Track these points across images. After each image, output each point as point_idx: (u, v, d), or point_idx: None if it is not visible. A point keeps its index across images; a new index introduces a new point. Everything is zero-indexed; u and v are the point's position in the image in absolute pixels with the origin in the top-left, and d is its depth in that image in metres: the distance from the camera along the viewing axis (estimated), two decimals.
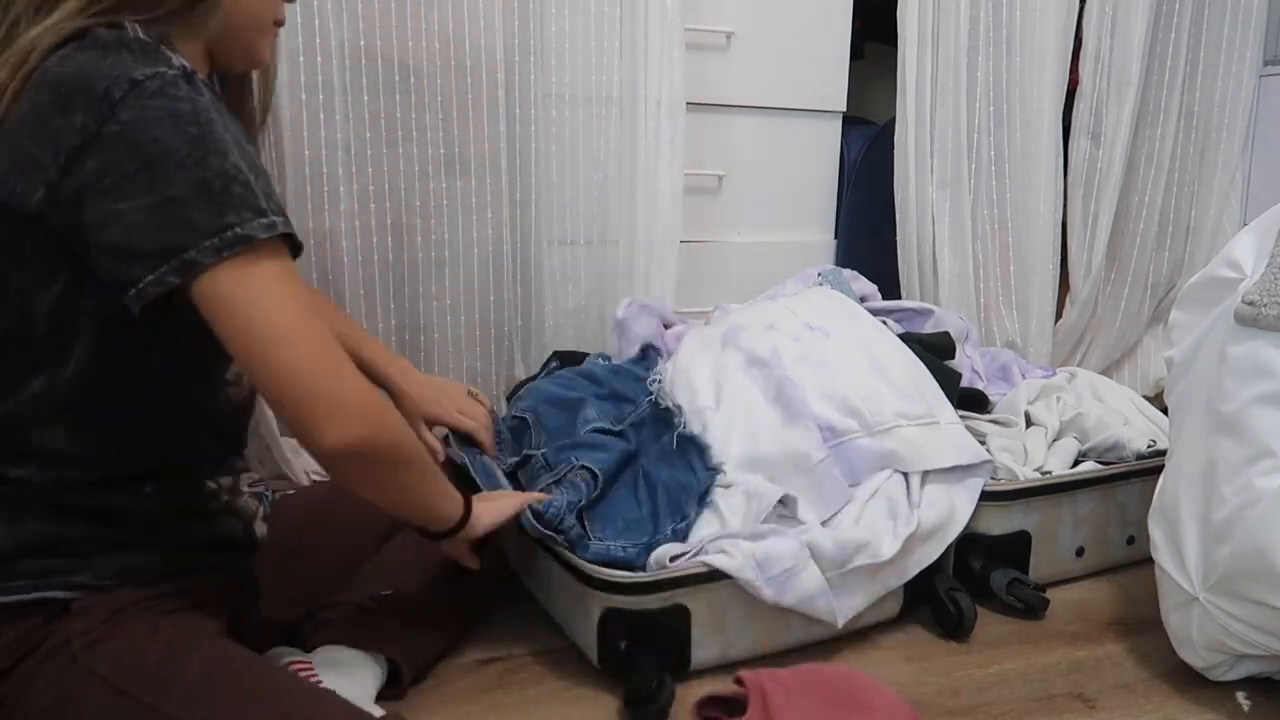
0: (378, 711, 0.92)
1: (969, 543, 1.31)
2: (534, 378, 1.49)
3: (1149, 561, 1.19)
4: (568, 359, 1.53)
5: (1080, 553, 1.41)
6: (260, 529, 0.97)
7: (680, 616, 1.10)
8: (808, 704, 0.97)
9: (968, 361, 1.63)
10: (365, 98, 1.49)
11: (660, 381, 1.37)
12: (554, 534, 1.10)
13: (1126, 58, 1.94)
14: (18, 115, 0.76)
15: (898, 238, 1.92)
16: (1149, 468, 1.39)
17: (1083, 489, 1.38)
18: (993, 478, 1.33)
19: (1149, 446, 1.45)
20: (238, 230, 0.74)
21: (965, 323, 1.71)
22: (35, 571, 0.81)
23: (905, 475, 1.27)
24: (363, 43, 1.47)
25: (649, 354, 1.48)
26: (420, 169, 1.54)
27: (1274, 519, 0.99)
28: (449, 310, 1.60)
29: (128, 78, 0.74)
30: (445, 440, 1.27)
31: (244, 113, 0.99)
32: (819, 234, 1.97)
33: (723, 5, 1.77)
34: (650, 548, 1.13)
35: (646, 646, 1.08)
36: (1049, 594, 1.32)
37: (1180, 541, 1.11)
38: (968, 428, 1.37)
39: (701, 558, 1.11)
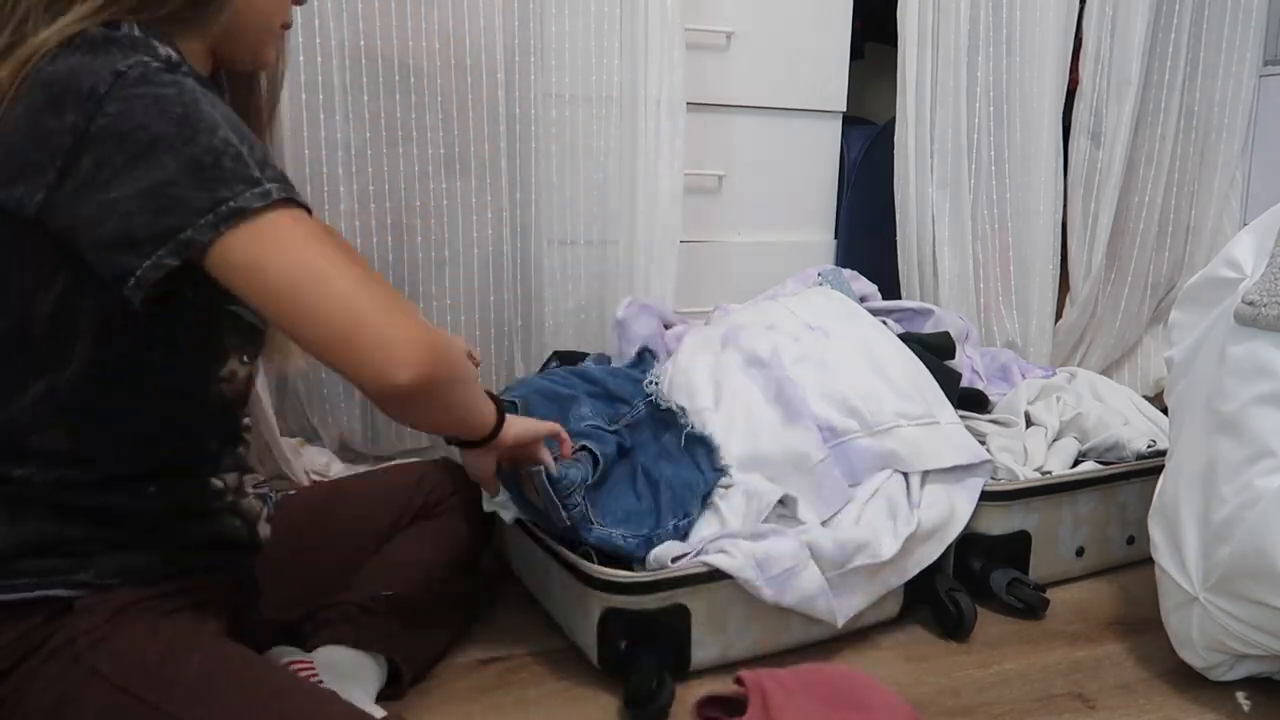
0: (378, 712, 0.92)
1: (969, 543, 1.31)
2: None
3: (1149, 561, 1.19)
4: (568, 359, 1.53)
5: (1080, 553, 1.41)
6: (264, 530, 0.97)
7: (680, 616, 1.10)
8: (808, 704, 0.97)
9: (968, 361, 1.63)
10: (365, 98, 1.49)
11: (658, 383, 1.37)
12: (561, 505, 1.09)
13: (1126, 58, 1.94)
14: (13, 118, 0.76)
15: (898, 238, 1.92)
16: (1149, 468, 1.39)
17: (1083, 489, 1.38)
18: (993, 478, 1.33)
19: (1149, 446, 1.45)
20: (231, 204, 0.73)
21: (965, 323, 1.71)
22: (37, 570, 0.81)
23: (905, 475, 1.27)
24: (363, 43, 1.47)
25: (645, 357, 1.48)
26: (420, 169, 1.54)
27: (1274, 519, 0.99)
28: (449, 310, 1.60)
29: (111, 70, 0.74)
30: None
31: (250, 112, 0.99)
32: (819, 234, 1.97)
33: (723, 5, 1.77)
34: (651, 541, 1.13)
35: (646, 646, 1.08)
36: (1049, 594, 1.32)
37: (1180, 541, 1.11)
38: (968, 428, 1.37)
39: (702, 557, 1.11)
